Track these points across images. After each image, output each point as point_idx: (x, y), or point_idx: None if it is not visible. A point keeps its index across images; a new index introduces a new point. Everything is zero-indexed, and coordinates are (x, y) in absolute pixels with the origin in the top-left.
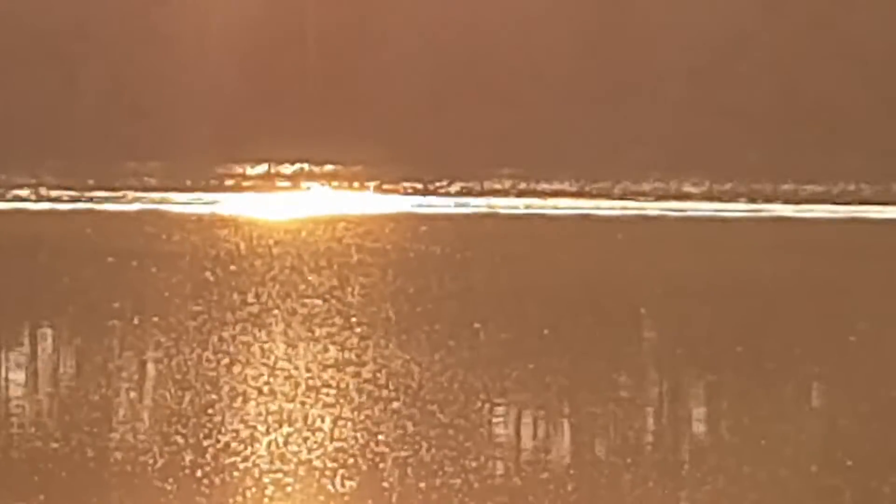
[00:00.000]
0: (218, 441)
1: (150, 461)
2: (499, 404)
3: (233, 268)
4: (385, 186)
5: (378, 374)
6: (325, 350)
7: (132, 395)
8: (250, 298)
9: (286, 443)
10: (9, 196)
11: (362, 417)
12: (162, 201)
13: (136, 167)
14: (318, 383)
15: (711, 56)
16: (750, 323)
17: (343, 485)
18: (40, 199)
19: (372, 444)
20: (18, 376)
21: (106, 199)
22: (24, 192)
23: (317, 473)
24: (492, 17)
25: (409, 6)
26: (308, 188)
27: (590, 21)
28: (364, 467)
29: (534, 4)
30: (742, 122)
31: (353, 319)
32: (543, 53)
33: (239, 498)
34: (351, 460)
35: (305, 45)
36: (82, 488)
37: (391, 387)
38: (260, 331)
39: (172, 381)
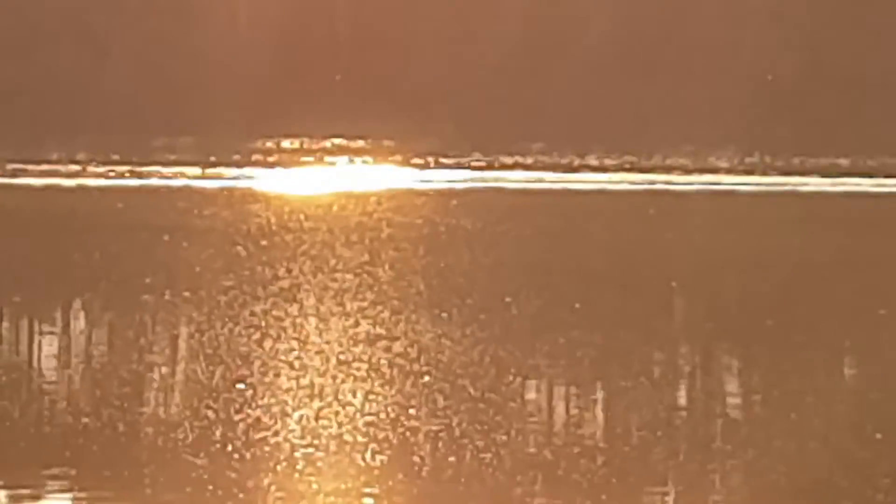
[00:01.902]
0: (249, 416)
1: (181, 436)
2: (530, 378)
3: (264, 243)
4: (415, 161)
5: (409, 349)
6: (357, 325)
7: (163, 369)
8: (281, 273)
9: (317, 417)
10: (41, 171)
11: (393, 392)
12: (193, 176)
13: (167, 142)
14: (349, 358)
15: (742, 29)
16: (780, 296)
17: (374, 459)
18: (72, 174)
19: (403, 419)
20: (51, 350)
21: (138, 174)
22: (56, 168)
23: (348, 448)
24: None
25: None
26: (339, 163)
27: None
28: (395, 442)
29: None
30: (774, 95)
31: (384, 294)
32: (573, 28)
33: (270, 473)
34: (382, 435)
35: (336, 20)
36: (114, 463)
37: (422, 361)
38: (291, 306)
39: (203, 355)
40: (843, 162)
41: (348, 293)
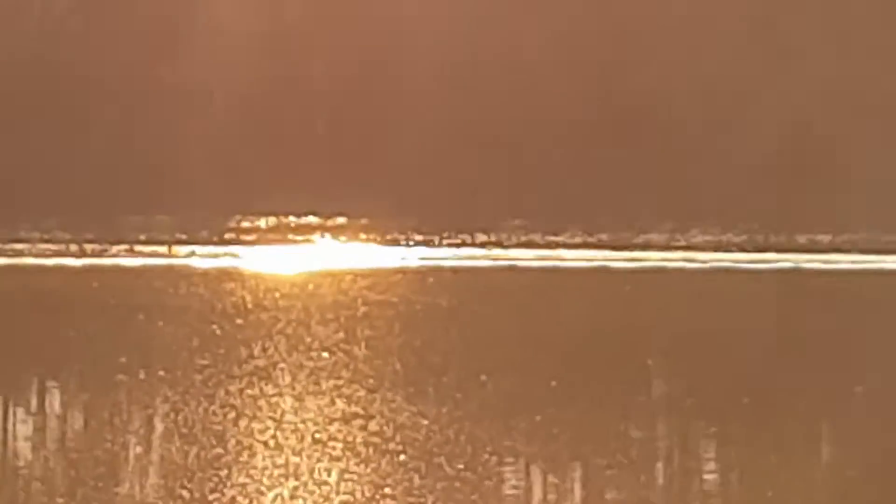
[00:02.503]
0: (224, 495)
1: None
2: (507, 456)
3: (239, 321)
4: (391, 238)
5: (385, 428)
6: (332, 403)
7: (139, 449)
8: (257, 352)
9: (293, 497)
10: (14, 250)
11: (369, 471)
12: (168, 255)
13: (141, 221)
14: (325, 437)
15: (720, 105)
16: (757, 374)
17: None
18: (47, 253)
19: (378, 498)
20: (26, 430)
21: (112, 253)
22: (29, 247)
23: None
24: (498, 67)
25: (415, 57)
26: (315, 241)
27: (598, 71)
28: None
29: (541, 53)
30: (751, 172)
31: (360, 373)
32: (550, 103)
33: None
34: None
35: (312, 97)
36: None
37: (398, 440)
38: (267, 384)
39: (179, 435)
40: (823, 238)
41: (324, 372)
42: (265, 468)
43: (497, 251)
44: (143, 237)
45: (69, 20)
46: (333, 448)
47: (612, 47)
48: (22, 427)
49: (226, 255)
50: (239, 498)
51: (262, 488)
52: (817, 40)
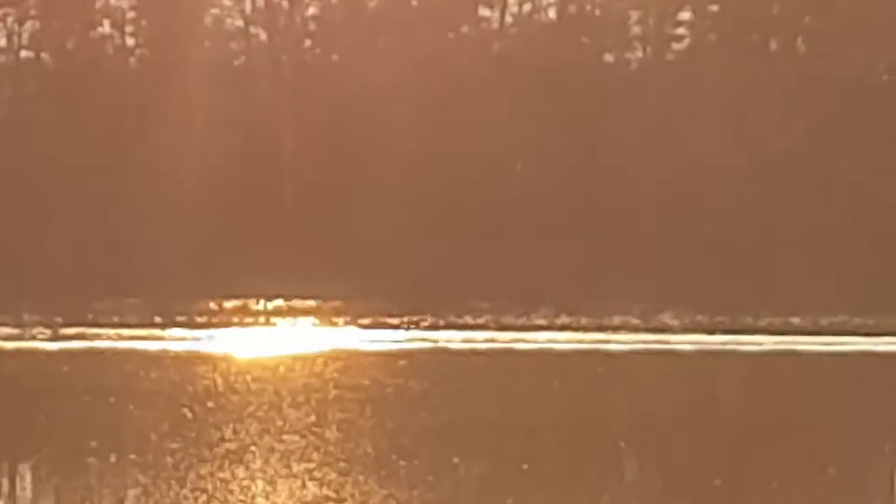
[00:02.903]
0: None
1: None
2: None
3: (210, 404)
4: (363, 321)
5: None
6: (304, 487)
7: None
8: (228, 435)
9: None
10: None
11: None
12: (139, 338)
13: (112, 304)
14: None
15: (690, 188)
16: (729, 456)
17: None
18: (15, 337)
19: None
20: None
21: (83, 337)
22: (1, 329)
23: None
24: (468, 152)
25: (385, 142)
26: (286, 323)
27: (567, 155)
28: None
29: (509, 139)
30: (722, 254)
31: (332, 455)
32: (520, 187)
33: None
34: None
35: (283, 180)
36: None
37: None
38: (238, 468)
39: None
40: (794, 320)
41: (295, 455)
42: None
43: (468, 333)
44: (114, 320)
45: (39, 104)
46: None
47: (583, 134)
48: None
49: (197, 338)
50: None
51: None
52: (784, 129)
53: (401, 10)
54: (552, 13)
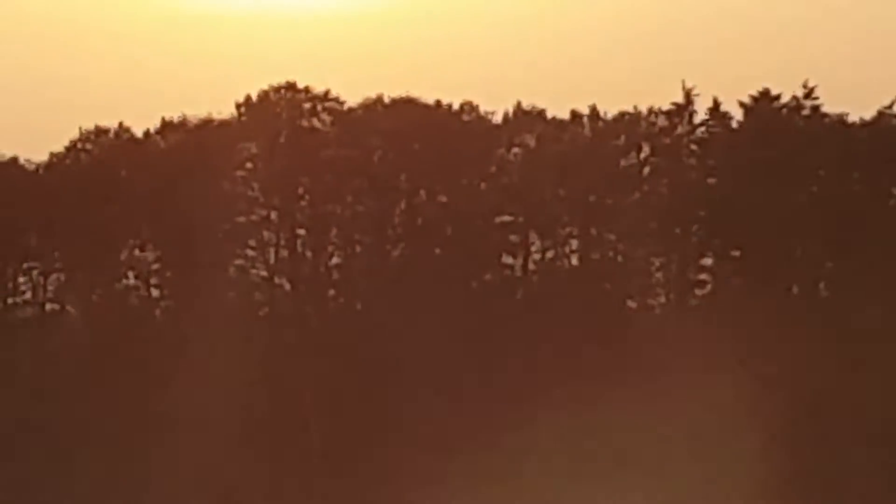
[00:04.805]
0: None
1: None
2: None
3: None
4: None
5: None
6: None
7: None
8: None
9: None
10: None
11: None
12: None
13: None
14: None
15: (715, 433)
16: None
17: None
18: None
19: None
20: None
21: None
22: None
23: None
24: (493, 398)
25: (411, 390)
26: None
27: (591, 397)
28: None
29: (533, 387)
30: (751, 487)
31: None
32: (545, 436)
33: None
34: None
35: (308, 430)
36: None
37: None
38: None
39: None
40: None
41: None
42: None
43: None
44: None
45: (64, 356)
46: None
47: (606, 378)
48: None
49: None
50: None
51: None
52: (809, 372)
53: (424, 258)
54: (574, 260)
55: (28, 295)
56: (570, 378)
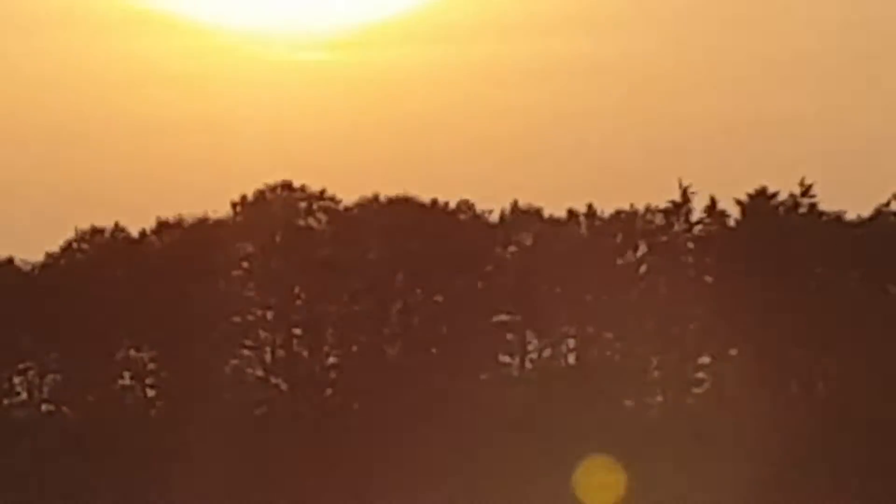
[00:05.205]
0: None
1: None
2: None
3: None
4: None
5: None
6: None
7: None
8: None
9: None
10: None
11: None
12: None
13: None
14: None
15: None
16: None
17: None
18: None
19: None
20: None
21: None
22: None
23: None
24: (490, 489)
25: (410, 490)
26: None
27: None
28: None
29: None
30: None
31: None
32: None
33: None
34: None
35: None
36: None
37: None
38: None
39: None
40: None
41: None
42: None
43: None
44: None
45: (60, 457)
46: None
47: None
48: None
49: None
50: None
51: None
52: (807, 472)
53: (420, 356)
54: (572, 359)
55: (24, 396)
56: (568, 476)
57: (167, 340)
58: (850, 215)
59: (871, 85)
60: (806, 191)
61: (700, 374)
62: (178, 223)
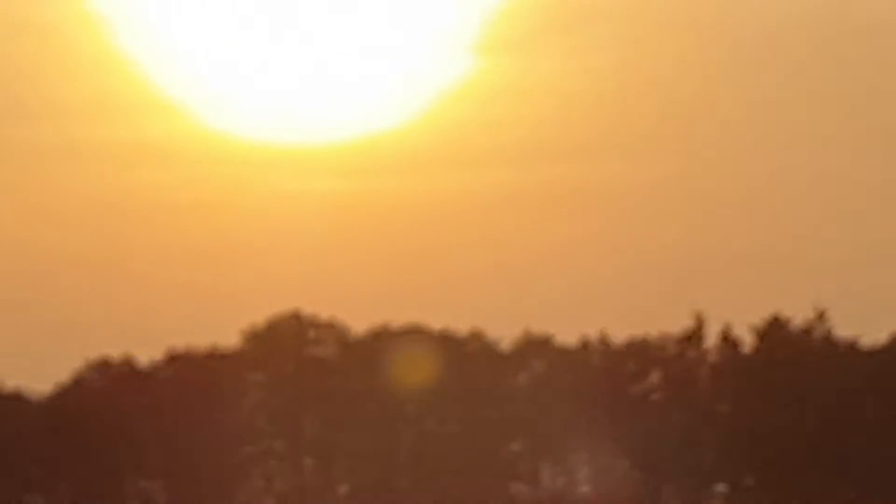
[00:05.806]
0: None
1: None
2: None
3: None
4: None
5: None
6: None
7: None
8: None
9: None
10: None
11: None
12: None
13: None
14: None
15: None
16: None
17: None
18: None
19: None
20: None
21: None
22: None
23: None
24: None
25: None
26: None
27: None
28: None
29: None
30: None
31: None
32: None
33: None
34: None
35: None
36: None
37: None
38: None
39: None
40: None
41: None
42: None
43: None
44: None
45: None
46: None
47: None
48: None
49: None
50: None
51: None
52: None
53: (432, 487)
54: (586, 488)
55: None
56: None
57: (177, 471)
58: (866, 342)
59: (887, 208)
60: (820, 316)
61: (715, 503)
62: (188, 354)
